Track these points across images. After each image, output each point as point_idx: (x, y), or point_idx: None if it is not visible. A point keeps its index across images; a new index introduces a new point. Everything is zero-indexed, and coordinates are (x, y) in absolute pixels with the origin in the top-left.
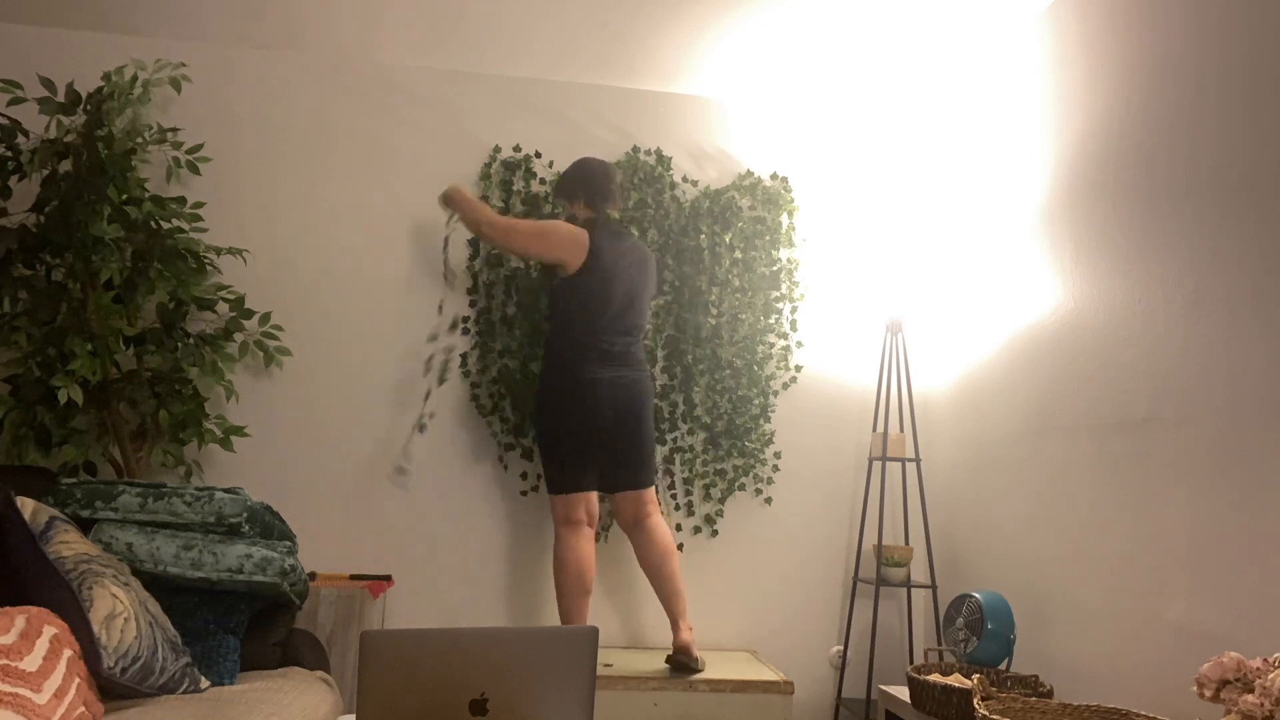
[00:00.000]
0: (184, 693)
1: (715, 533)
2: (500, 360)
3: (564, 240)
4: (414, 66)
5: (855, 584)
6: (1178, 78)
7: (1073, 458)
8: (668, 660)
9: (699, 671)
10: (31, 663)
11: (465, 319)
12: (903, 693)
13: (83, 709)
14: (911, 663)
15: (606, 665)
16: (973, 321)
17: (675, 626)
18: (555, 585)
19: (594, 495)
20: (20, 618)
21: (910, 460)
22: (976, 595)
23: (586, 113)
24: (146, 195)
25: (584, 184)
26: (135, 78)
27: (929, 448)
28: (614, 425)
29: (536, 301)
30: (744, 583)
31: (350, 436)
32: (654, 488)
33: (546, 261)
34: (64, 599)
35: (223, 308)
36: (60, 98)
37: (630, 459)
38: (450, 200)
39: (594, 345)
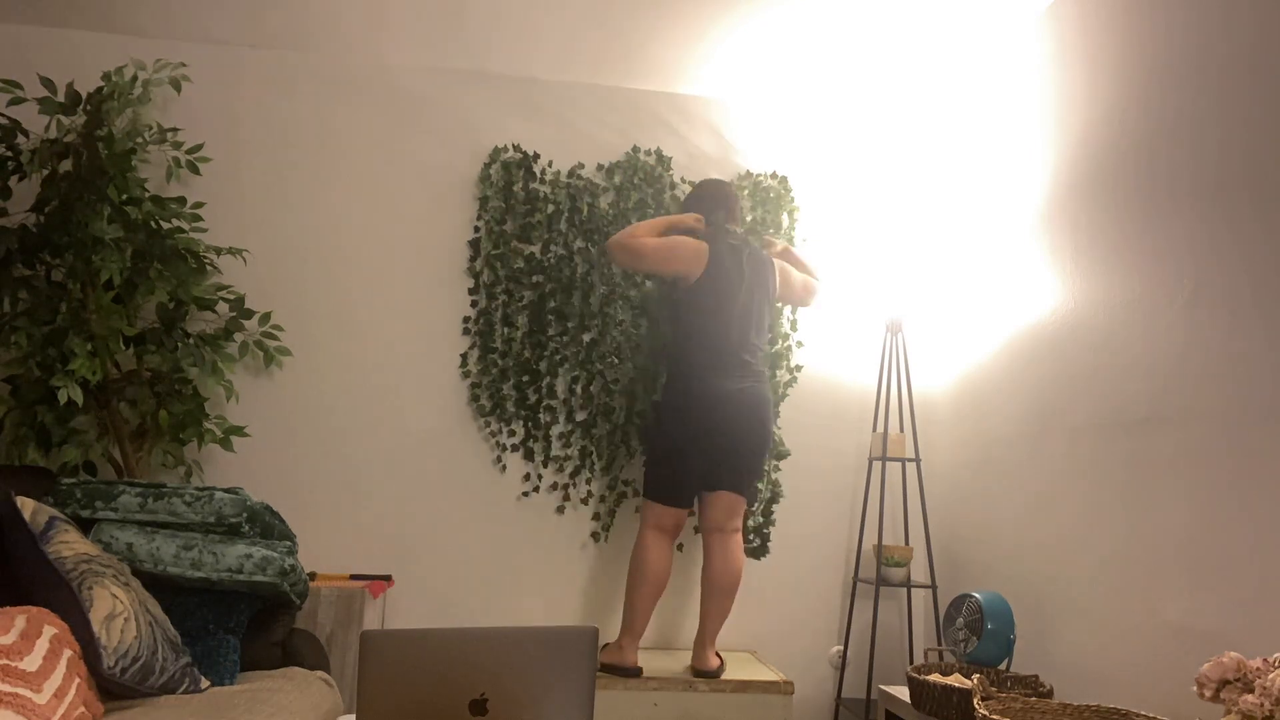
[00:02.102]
0: (184, 693)
1: None
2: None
3: (687, 254)
4: (414, 66)
5: (855, 584)
6: (1178, 78)
7: (1073, 457)
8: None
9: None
10: (31, 663)
11: (466, 319)
12: (903, 693)
13: (83, 709)
14: (911, 663)
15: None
16: (973, 321)
17: (706, 648)
18: (628, 583)
19: (685, 512)
20: (20, 618)
21: (910, 460)
22: (976, 595)
23: (586, 113)
24: (146, 195)
25: (701, 204)
26: (135, 78)
27: (929, 448)
28: (738, 436)
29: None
30: (744, 583)
31: (350, 437)
32: (746, 506)
33: (669, 276)
34: (64, 599)
35: (223, 308)
36: (60, 98)
37: (740, 464)
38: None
39: (721, 356)
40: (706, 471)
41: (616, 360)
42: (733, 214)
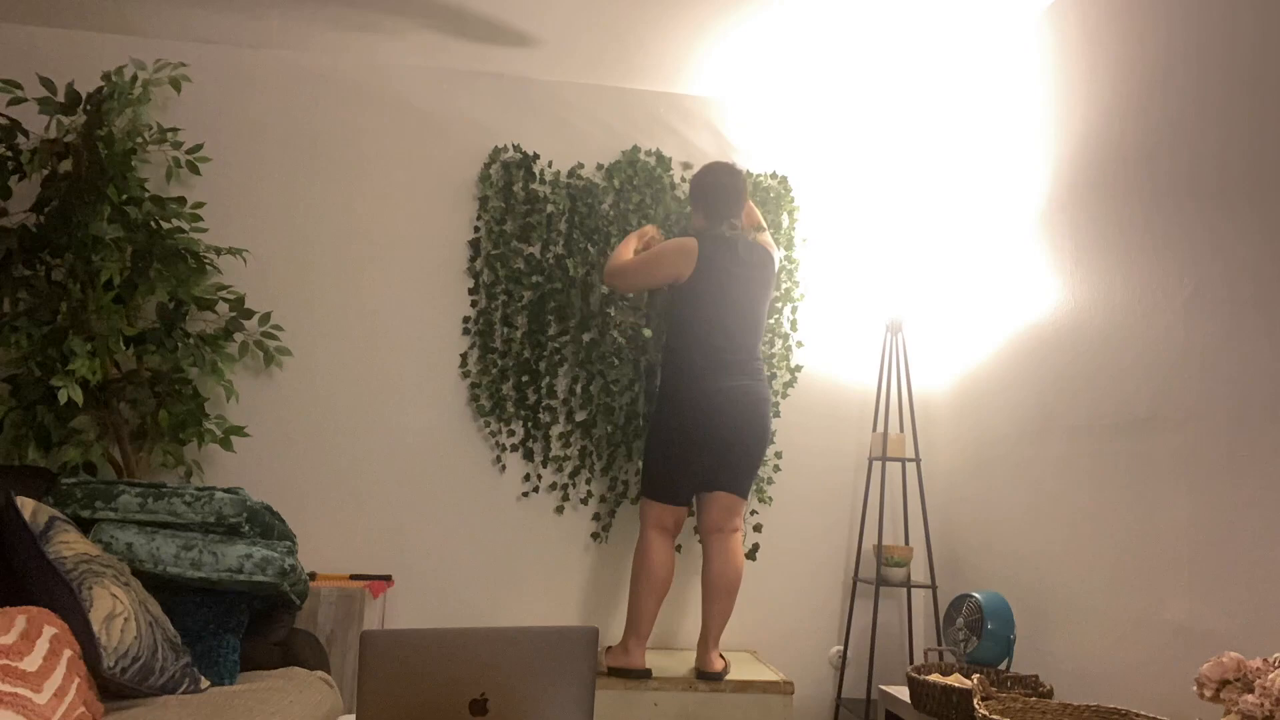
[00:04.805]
0: (184, 693)
1: None
2: (501, 361)
3: (669, 259)
4: (413, 67)
5: (855, 584)
6: (1179, 77)
7: (1073, 458)
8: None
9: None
10: (31, 663)
11: (466, 319)
12: (903, 693)
13: (83, 709)
14: (911, 663)
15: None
16: (973, 321)
17: (709, 649)
18: (632, 586)
19: (685, 510)
20: (20, 618)
21: (910, 460)
22: (976, 595)
23: (586, 113)
24: (146, 195)
25: (699, 197)
26: (135, 78)
27: (929, 448)
28: (729, 434)
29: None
30: (744, 583)
31: (350, 437)
32: (745, 505)
33: (661, 283)
34: (64, 599)
35: (223, 308)
36: (60, 98)
37: (736, 463)
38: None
39: (715, 354)
40: (704, 471)
41: (617, 361)
42: (726, 207)
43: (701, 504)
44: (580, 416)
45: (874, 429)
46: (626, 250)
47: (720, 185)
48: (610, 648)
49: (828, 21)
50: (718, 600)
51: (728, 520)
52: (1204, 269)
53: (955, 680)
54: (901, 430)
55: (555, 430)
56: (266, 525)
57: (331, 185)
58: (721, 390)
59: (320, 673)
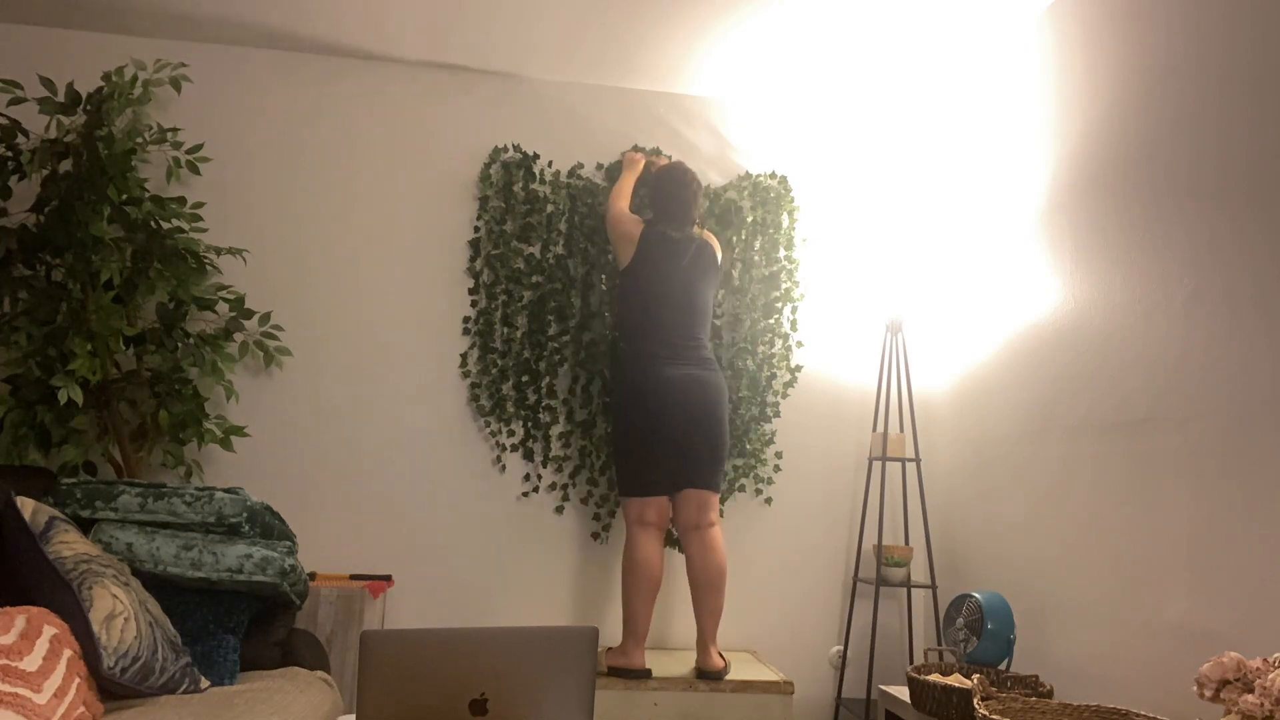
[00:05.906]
0: (184, 693)
1: None
2: (500, 361)
3: (620, 231)
4: (413, 66)
5: (855, 584)
6: (1179, 77)
7: (1073, 457)
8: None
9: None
10: (31, 663)
11: (466, 319)
12: (903, 693)
13: (83, 709)
14: (911, 663)
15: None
16: (973, 321)
17: (707, 647)
18: (624, 588)
19: (664, 499)
20: (20, 618)
21: (910, 460)
22: (976, 595)
23: (586, 113)
24: (146, 195)
25: (651, 193)
26: (135, 78)
27: (929, 448)
28: (686, 425)
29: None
30: (744, 583)
31: (350, 436)
32: (719, 497)
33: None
34: (64, 599)
35: (223, 308)
36: (60, 98)
37: (699, 458)
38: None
39: (660, 343)
40: (669, 463)
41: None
42: (669, 214)
43: (675, 504)
44: (580, 416)
45: (874, 429)
46: (623, 193)
47: (665, 194)
48: (610, 648)
49: (828, 21)
50: (706, 596)
51: (702, 516)
52: (1204, 269)
53: (955, 680)
54: (901, 430)
55: (555, 430)
56: (266, 525)
57: (332, 185)
58: (671, 378)
59: (320, 673)
